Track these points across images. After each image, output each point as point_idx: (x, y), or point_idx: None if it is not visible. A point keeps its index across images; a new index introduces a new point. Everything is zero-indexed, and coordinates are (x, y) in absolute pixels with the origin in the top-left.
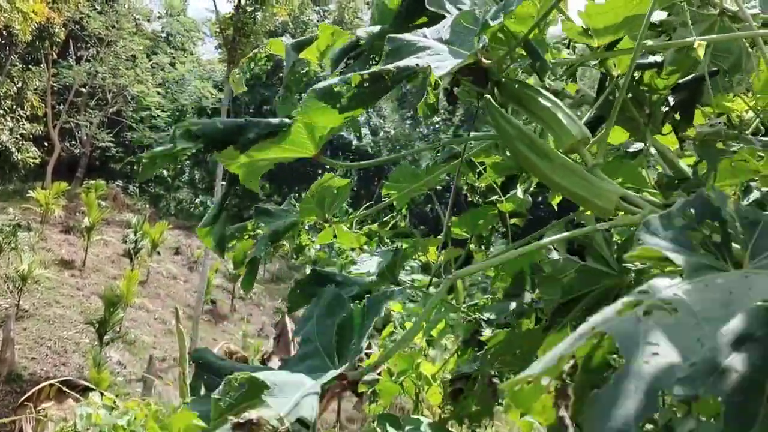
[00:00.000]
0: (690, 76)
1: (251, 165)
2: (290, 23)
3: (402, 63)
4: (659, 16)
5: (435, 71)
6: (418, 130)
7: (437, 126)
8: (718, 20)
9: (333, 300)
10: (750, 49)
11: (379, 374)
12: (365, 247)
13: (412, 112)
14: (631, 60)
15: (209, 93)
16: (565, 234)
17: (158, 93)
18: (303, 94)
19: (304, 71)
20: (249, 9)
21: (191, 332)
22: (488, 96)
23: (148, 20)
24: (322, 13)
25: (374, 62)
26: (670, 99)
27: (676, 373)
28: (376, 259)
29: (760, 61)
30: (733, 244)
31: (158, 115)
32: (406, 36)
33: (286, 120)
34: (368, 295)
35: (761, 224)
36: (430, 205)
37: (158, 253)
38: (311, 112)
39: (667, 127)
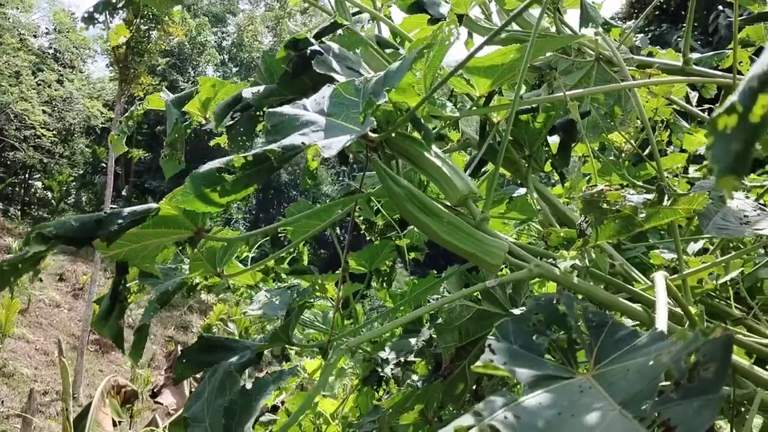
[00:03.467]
0: (565, 118)
1: (140, 250)
2: (187, 44)
3: (287, 142)
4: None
5: (323, 151)
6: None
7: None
8: (595, 65)
9: (225, 378)
10: (628, 91)
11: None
12: (261, 284)
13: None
14: (509, 113)
15: (98, 112)
16: (462, 292)
17: (44, 111)
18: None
19: (187, 124)
20: (143, 27)
21: (76, 364)
22: (374, 156)
23: (35, 36)
24: (220, 35)
25: (261, 118)
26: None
27: None
28: (273, 298)
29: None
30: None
31: (43, 134)
32: (287, 110)
33: (153, 205)
34: (258, 377)
35: (606, 328)
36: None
37: (40, 279)
38: (191, 199)
39: (548, 166)
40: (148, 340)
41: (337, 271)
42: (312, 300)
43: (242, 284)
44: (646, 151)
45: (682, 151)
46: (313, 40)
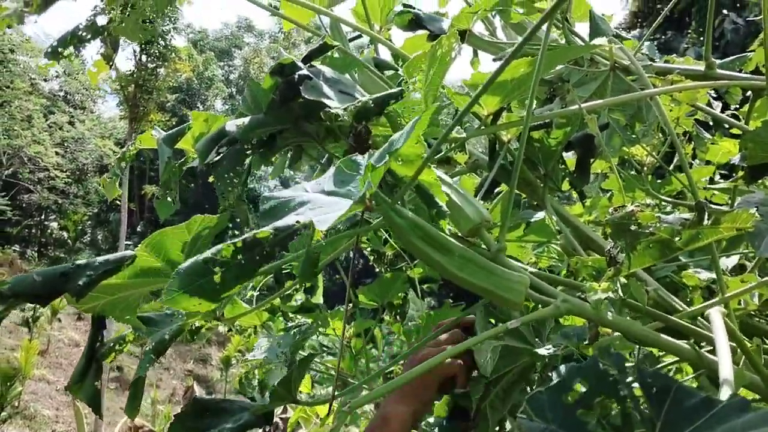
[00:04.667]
0: (581, 132)
1: (118, 302)
2: (194, 79)
3: (280, 223)
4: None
5: (318, 226)
6: None
7: None
8: (611, 75)
9: None
10: (650, 100)
11: None
12: (270, 324)
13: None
14: (522, 130)
15: (111, 150)
16: (485, 335)
17: (57, 153)
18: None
19: (182, 161)
20: (150, 66)
21: None
22: (377, 190)
23: (45, 79)
24: (227, 69)
25: (248, 151)
26: (565, 156)
27: None
28: (276, 342)
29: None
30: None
31: (57, 176)
32: (282, 192)
33: (128, 253)
34: None
35: (671, 395)
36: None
37: (59, 320)
38: (178, 298)
39: (566, 185)
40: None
41: (342, 307)
42: (317, 342)
43: (249, 325)
44: (672, 164)
45: (708, 163)
46: (301, 64)
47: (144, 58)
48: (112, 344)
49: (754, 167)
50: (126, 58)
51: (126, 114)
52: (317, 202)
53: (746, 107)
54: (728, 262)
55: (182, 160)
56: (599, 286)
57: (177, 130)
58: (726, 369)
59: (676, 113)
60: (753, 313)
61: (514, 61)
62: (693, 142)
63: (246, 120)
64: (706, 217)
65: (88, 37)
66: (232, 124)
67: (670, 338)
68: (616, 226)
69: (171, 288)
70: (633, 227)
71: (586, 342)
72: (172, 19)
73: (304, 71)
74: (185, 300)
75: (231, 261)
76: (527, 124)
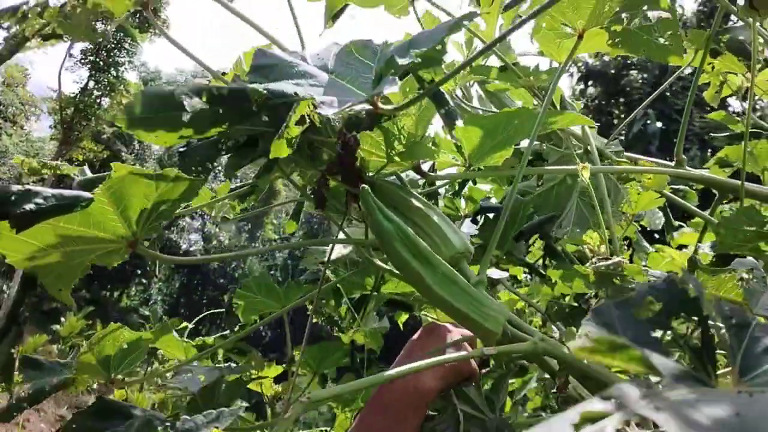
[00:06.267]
0: (538, 219)
1: (56, 266)
2: None
3: (276, 87)
4: (525, 143)
5: (322, 108)
6: (253, 245)
7: (275, 242)
8: (578, 159)
9: None
10: (617, 183)
11: None
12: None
13: (249, 225)
14: (510, 192)
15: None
16: None
17: None
18: None
19: None
20: (96, 93)
21: None
22: (366, 187)
23: None
24: None
25: (221, 150)
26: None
27: None
28: (198, 375)
29: (630, 193)
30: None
31: None
32: (280, 53)
33: (85, 193)
34: None
35: (751, 329)
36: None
37: None
38: (134, 120)
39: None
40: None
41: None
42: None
43: (172, 357)
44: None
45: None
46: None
47: (91, 84)
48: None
49: (723, 255)
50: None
51: (58, 136)
52: (320, 79)
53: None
54: None
55: None
56: (577, 331)
57: (98, 176)
58: None
59: (645, 199)
60: None
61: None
62: (633, 249)
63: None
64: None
65: (29, 16)
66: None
67: None
68: (600, 275)
69: (130, 107)
70: (617, 279)
71: (554, 390)
72: (130, 52)
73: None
74: (141, 125)
75: (208, 104)
76: (517, 179)
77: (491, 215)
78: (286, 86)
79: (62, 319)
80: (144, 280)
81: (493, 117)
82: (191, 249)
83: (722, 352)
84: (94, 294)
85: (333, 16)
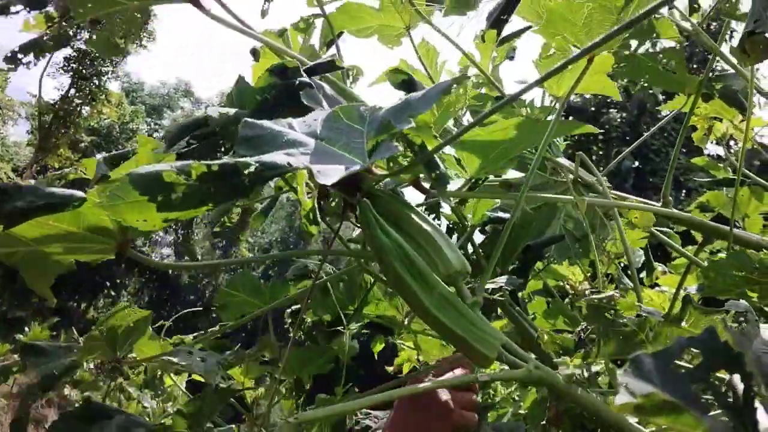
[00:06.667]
0: (548, 237)
1: (39, 260)
2: (117, 127)
3: (267, 158)
4: (513, 174)
5: (319, 177)
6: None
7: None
8: (571, 187)
9: None
10: (604, 218)
11: None
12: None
13: (224, 242)
14: (515, 207)
15: (5, 174)
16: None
17: None
18: None
19: None
20: (77, 101)
21: None
22: (366, 200)
23: None
24: (153, 126)
25: (224, 152)
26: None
27: None
28: (198, 357)
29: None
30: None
31: None
32: (269, 123)
33: (78, 193)
34: None
35: None
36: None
37: None
38: (121, 207)
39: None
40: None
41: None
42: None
43: (145, 358)
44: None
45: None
46: (303, 72)
47: (72, 91)
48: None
49: (710, 299)
50: (54, 88)
51: (35, 141)
52: (311, 147)
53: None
54: None
55: None
56: (571, 361)
57: (120, 152)
58: None
59: (630, 237)
60: None
61: (501, 123)
62: (615, 285)
63: (230, 110)
64: (688, 315)
65: (51, 44)
66: (213, 110)
67: (638, 425)
68: (592, 309)
69: (116, 192)
70: (609, 314)
71: (544, 422)
72: (114, 62)
73: (307, 79)
74: (128, 210)
75: (198, 181)
76: (523, 195)
77: (498, 225)
78: (278, 157)
79: (26, 329)
80: (113, 293)
81: (491, 128)
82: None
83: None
84: (60, 304)
85: (327, 43)
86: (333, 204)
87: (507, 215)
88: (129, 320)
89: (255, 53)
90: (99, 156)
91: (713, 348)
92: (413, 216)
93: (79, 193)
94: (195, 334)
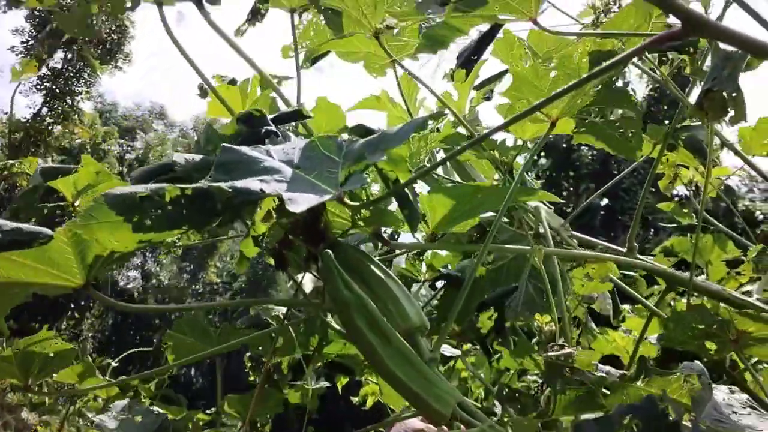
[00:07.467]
0: (500, 290)
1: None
2: (88, 147)
3: (241, 184)
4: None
5: (290, 205)
6: (194, 287)
7: (216, 286)
8: (533, 242)
9: None
10: (565, 273)
11: None
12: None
13: (192, 266)
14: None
15: None
16: None
17: None
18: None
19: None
20: (49, 120)
21: None
22: (329, 251)
23: None
24: (125, 147)
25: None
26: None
27: None
28: (135, 416)
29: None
30: None
31: None
32: (246, 150)
33: (46, 230)
34: None
35: None
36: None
37: None
38: (94, 226)
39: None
40: None
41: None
42: None
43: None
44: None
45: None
46: (269, 121)
47: (45, 110)
48: None
49: (669, 349)
50: (26, 106)
51: (4, 159)
52: (286, 174)
53: None
54: None
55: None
56: (526, 420)
57: (61, 166)
58: None
59: (591, 284)
60: None
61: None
62: (581, 330)
63: (196, 157)
64: (643, 375)
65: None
66: (180, 157)
67: None
68: (550, 366)
69: (90, 212)
70: (567, 371)
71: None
72: (88, 83)
73: (273, 128)
74: (101, 230)
75: (170, 205)
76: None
77: (449, 283)
78: (252, 183)
79: None
80: (77, 315)
81: (458, 189)
82: (128, 286)
83: None
84: (22, 325)
85: (313, 59)
86: (294, 254)
87: (457, 273)
88: (49, 350)
89: (202, 89)
90: (41, 163)
91: (652, 416)
92: (374, 268)
93: (47, 231)
94: (143, 373)
